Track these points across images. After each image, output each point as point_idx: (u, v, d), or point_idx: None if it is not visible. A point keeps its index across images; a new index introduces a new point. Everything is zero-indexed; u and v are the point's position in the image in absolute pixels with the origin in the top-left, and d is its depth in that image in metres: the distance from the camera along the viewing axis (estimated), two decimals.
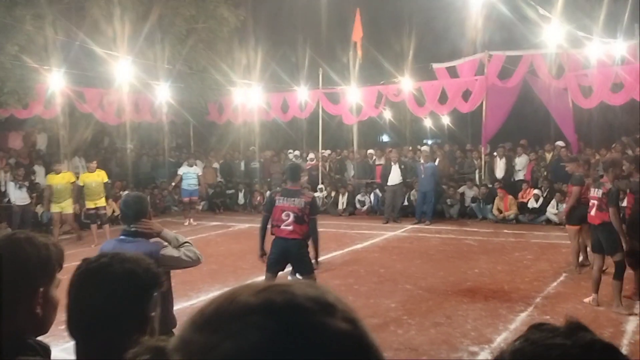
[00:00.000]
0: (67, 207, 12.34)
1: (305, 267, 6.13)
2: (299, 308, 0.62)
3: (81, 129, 16.47)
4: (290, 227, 6.02)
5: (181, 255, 3.62)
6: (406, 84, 15.70)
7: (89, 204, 12.57)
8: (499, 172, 15.21)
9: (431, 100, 15.62)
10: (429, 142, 22.18)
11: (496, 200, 14.28)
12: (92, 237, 12.26)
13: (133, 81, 14.44)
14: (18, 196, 13.65)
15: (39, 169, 16.01)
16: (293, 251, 6.04)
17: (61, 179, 12.22)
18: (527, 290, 7.86)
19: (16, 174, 14.05)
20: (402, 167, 15.22)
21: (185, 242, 3.73)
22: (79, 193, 12.80)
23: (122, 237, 3.64)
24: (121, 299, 1.37)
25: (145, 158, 18.91)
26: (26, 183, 13.96)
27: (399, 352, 5.57)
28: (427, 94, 15.64)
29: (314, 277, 6.13)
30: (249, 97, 17.45)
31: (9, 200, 13.81)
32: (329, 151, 18.51)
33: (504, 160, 15.24)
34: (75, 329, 1.39)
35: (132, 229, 3.61)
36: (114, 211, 14.40)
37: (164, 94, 15.99)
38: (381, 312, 6.83)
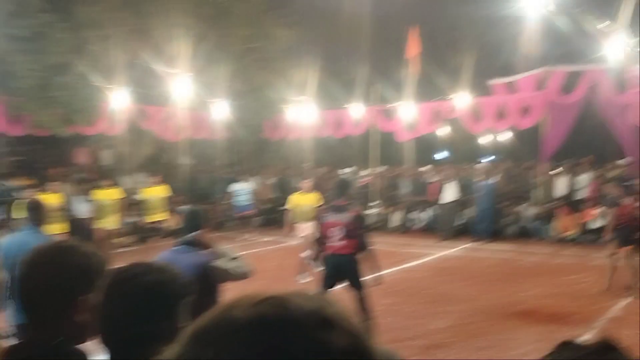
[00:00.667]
0: (112, 223, 12.15)
1: (357, 282, 6.12)
2: (292, 323, 0.59)
3: (143, 145, 17.11)
4: (340, 243, 6.04)
5: (231, 269, 3.69)
6: (462, 100, 15.48)
7: (151, 218, 12.83)
8: (560, 191, 14.69)
9: (488, 116, 15.33)
10: (486, 159, 21.73)
11: (556, 220, 13.79)
12: (153, 250, 12.57)
13: (191, 99, 14.90)
14: (82, 210, 14.25)
15: (104, 184, 16.69)
16: (345, 266, 6.06)
17: (107, 195, 12.14)
18: (587, 314, 7.52)
19: (81, 189, 14.72)
20: (458, 184, 14.95)
21: (238, 257, 3.80)
22: (124, 208, 12.82)
23: (176, 248, 3.77)
24: (153, 310, 1.37)
25: (202, 174, 19.37)
26: (90, 198, 14.57)
27: None
28: (484, 110, 15.36)
29: (365, 292, 6.10)
30: (303, 114, 17.66)
31: (75, 213, 14.44)
32: (383, 168, 18.41)
33: (565, 177, 14.72)
34: (108, 339, 1.39)
35: (187, 240, 3.75)
36: (172, 225, 14.77)
37: (220, 112, 16.41)
38: (426, 334, 6.69)
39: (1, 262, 4.33)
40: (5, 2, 12.05)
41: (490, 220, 14.12)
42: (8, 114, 13.22)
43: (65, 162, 17.22)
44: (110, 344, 1.40)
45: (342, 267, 6.06)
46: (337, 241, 6.06)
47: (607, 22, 10.95)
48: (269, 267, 11.17)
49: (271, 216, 17.96)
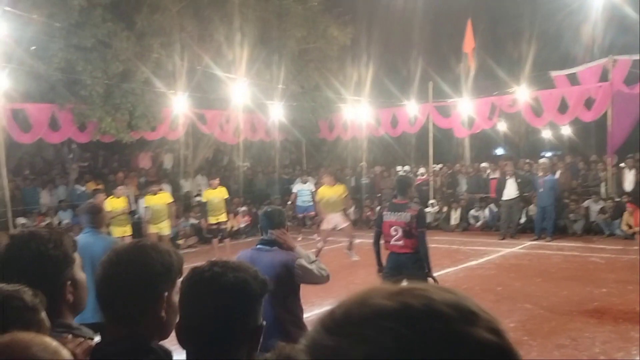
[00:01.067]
0: (164, 228, 12.08)
1: (419, 282, 6.05)
2: (438, 314, 0.57)
3: (202, 149, 17.51)
4: (400, 242, 5.98)
5: (314, 270, 3.69)
6: (522, 93, 15.07)
7: (212, 220, 13.02)
8: (628, 185, 14.09)
9: (550, 109, 14.87)
10: (548, 154, 21.08)
11: (625, 215, 13.23)
12: (214, 251, 12.85)
13: (249, 102, 15.14)
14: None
15: (166, 187, 17.18)
16: (407, 265, 5.98)
17: (158, 200, 12.12)
18: None
19: (146, 191, 15.20)
20: (519, 180, 14.55)
21: (315, 260, 3.82)
22: (177, 212, 13.17)
23: (259, 246, 3.79)
24: (234, 309, 1.36)
25: (260, 175, 19.65)
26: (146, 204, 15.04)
27: None
28: (545, 103, 14.92)
29: None
30: (358, 114, 17.64)
31: (139, 216, 14.92)
32: (440, 165, 18.17)
33: (633, 171, 14.11)
34: (186, 339, 1.39)
35: (269, 238, 3.76)
36: (232, 227, 15.06)
37: (277, 113, 16.60)
38: None
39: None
40: (70, 12, 12.54)
41: (553, 217, 13.66)
42: (75, 121, 13.78)
43: (129, 167, 17.84)
44: (189, 343, 1.40)
45: (401, 266, 6.01)
46: (396, 240, 6.00)
47: None
48: (329, 266, 10.98)
49: None
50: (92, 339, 1.70)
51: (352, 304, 0.62)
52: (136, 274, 1.48)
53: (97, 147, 17.06)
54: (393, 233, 6.01)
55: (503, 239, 13.87)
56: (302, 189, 15.60)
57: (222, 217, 12.98)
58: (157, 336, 1.50)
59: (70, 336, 1.60)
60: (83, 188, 15.68)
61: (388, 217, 6.07)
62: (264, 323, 1.44)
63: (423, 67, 18.34)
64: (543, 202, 13.66)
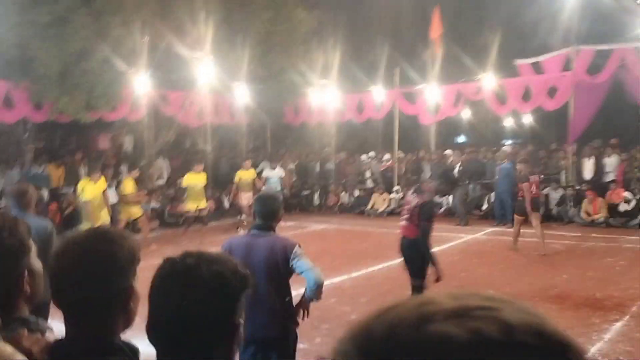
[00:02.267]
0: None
1: (412, 269, 6.07)
2: (521, 347, 0.46)
3: (165, 131, 17.11)
4: (403, 223, 6.05)
5: (314, 267, 3.65)
6: (487, 81, 15.19)
7: (191, 205, 12.79)
8: (587, 173, 14.44)
9: (514, 97, 15.05)
10: (509, 142, 21.43)
11: (584, 203, 13.54)
12: (183, 237, 12.61)
13: (213, 83, 14.81)
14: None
15: (125, 170, 16.76)
16: (404, 249, 6.05)
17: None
18: (622, 298, 7.35)
19: (104, 174, 14.77)
20: (480, 168, 14.79)
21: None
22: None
23: (253, 231, 3.78)
24: (209, 305, 1.23)
25: (224, 160, 19.35)
26: (113, 183, 14.62)
27: None
28: (509, 91, 15.08)
29: (420, 283, 6.01)
30: (324, 98, 17.50)
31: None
32: (404, 152, 18.24)
33: (592, 160, 14.44)
34: (157, 337, 1.27)
35: (261, 225, 3.74)
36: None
37: (242, 96, 16.30)
38: None
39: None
40: None
41: (510, 204, 13.84)
42: (30, 100, 13.24)
43: (87, 148, 17.32)
44: (158, 341, 1.28)
45: (402, 248, 6.09)
46: (402, 221, 6.15)
47: None
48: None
49: (293, 201, 17.93)
50: (48, 332, 1.55)
51: (402, 324, 0.48)
52: (103, 265, 1.35)
53: (54, 127, 16.47)
54: (403, 213, 6.22)
55: (461, 225, 14.03)
56: (271, 176, 15.32)
57: (202, 204, 12.87)
58: (123, 328, 1.40)
59: (26, 331, 1.44)
60: (40, 169, 15.15)
61: (408, 197, 6.34)
62: (242, 321, 1.29)
63: (390, 53, 18.28)
64: (500, 189, 13.87)
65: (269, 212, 3.78)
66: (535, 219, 10.22)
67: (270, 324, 3.60)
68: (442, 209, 15.68)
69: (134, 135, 18.05)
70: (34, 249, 1.63)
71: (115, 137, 18.13)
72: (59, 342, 1.38)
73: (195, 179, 12.76)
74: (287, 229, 14.45)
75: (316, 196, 18.06)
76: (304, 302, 3.76)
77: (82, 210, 11.18)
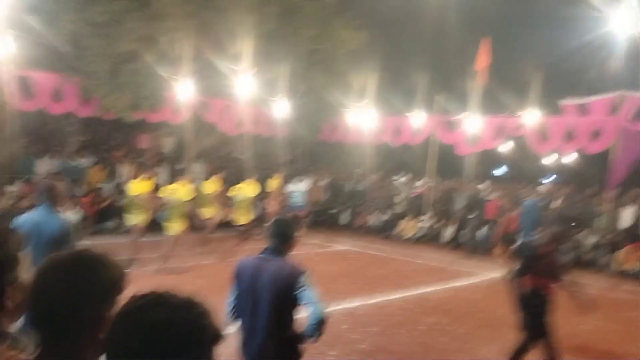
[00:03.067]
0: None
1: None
2: None
3: (204, 136, 17.42)
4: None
5: (318, 302, 3.53)
6: (529, 117, 14.97)
7: (239, 218, 12.62)
8: (625, 221, 13.99)
9: (556, 137, 14.77)
10: (548, 180, 20.98)
11: (620, 252, 13.14)
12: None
13: (253, 95, 15.04)
14: None
15: (162, 170, 17.13)
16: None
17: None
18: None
19: (143, 171, 15.13)
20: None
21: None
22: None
23: (263, 255, 3.70)
24: (150, 353, 1.11)
25: (258, 170, 19.50)
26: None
27: None
28: (552, 130, 14.82)
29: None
30: (362, 119, 17.52)
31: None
32: (435, 180, 18.05)
33: (631, 208, 14.01)
34: None
35: (275, 247, 3.68)
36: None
37: (281, 110, 16.50)
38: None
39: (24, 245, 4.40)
40: None
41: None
42: (79, 95, 13.72)
43: (128, 146, 17.76)
44: None
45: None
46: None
47: None
48: (313, 271, 10.76)
49: (319, 218, 17.94)
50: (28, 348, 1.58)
51: None
52: (78, 291, 1.35)
53: (98, 123, 16.97)
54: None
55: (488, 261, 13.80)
56: (297, 188, 15.44)
57: (247, 218, 12.60)
58: (92, 357, 1.38)
59: (4, 347, 1.47)
60: (81, 162, 15.61)
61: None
62: None
63: (431, 79, 18.20)
64: (522, 226, 13.69)
65: (282, 236, 3.72)
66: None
67: (268, 350, 3.55)
68: (473, 243, 15.43)
69: (174, 138, 18.43)
70: (23, 261, 1.62)
71: (156, 138, 18.54)
72: None
73: (244, 191, 12.48)
74: (311, 246, 14.49)
75: (344, 215, 18.03)
76: (303, 338, 3.63)
77: (127, 204, 11.20)
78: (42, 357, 1.39)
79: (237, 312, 3.67)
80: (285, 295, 3.53)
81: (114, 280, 1.42)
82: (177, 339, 1.12)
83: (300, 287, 3.52)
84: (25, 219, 4.78)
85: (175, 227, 10.63)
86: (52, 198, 4.86)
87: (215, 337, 1.18)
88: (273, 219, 3.91)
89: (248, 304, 3.59)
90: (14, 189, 13.50)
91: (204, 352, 1.16)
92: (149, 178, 11.28)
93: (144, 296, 1.20)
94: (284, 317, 3.60)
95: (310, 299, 3.53)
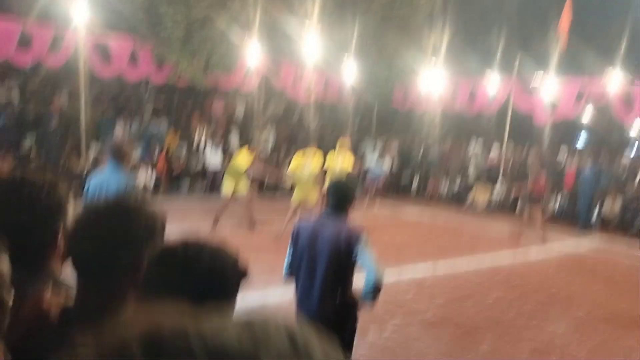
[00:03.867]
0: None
1: None
2: None
3: (274, 103, 17.53)
4: None
5: (377, 265, 3.48)
6: (613, 84, 14.01)
7: (298, 197, 11.06)
8: None
9: None
10: (633, 151, 19.68)
11: None
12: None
13: (324, 62, 14.88)
14: (212, 162, 15.00)
15: (234, 134, 17.47)
16: None
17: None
18: None
19: (214, 137, 15.50)
20: (597, 174, 13.85)
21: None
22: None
23: (324, 217, 3.71)
24: (204, 300, 1.10)
25: (327, 137, 19.44)
26: (221, 144, 15.31)
27: None
28: (636, 98, 13.81)
29: None
30: (434, 84, 16.99)
31: (203, 165, 15.27)
32: (515, 147, 17.34)
33: None
34: None
35: (333, 210, 3.68)
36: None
37: (351, 75, 16.26)
38: (544, 337, 6.19)
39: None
40: None
41: (586, 209, 13.68)
42: (153, 61, 14.06)
43: (201, 113, 18.15)
44: None
45: None
46: None
47: None
48: (380, 239, 10.59)
49: (390, 186, 17.75)
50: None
51: None
52: (115, 238, 1.36)
53: (172, 90, 17.40)
54: None
55: (574, 233, 13.32)
56: (371, 158, 15.27)
57: (313, 196, 10.11)
58: (131, 301, 1.38)
59: (49, 293, 1.47)
60: (156, 127, 16.10)
61: None
62: None
63: (508, 41, 17.32)
64: (583, 193, 13.80)
65: (341, 198, 3.69)
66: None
67: (322, 314, 3.56)
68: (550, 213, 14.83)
69: (245, 105, 18.66)
70: (72, 208, 1.64)
71: (228, 105, 18.83)
72: (68, 308, 1.41)
73: (305, 163, 10.10)
74: (380, 214, 14.39)
75: (415, 183, 17.75)
76: (359, 304, 3.61)
77: (230, 171, 10.79)
78: (82, 303, 1.40)
79: (295, 271, 3.69)
80: (343, 257, 3.51)
81: (152, 227, 1.42)
82: (228, 283, 1.24)
83: (358, 248, 3.49)
84: (94, 177, 5.20)
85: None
86: (118, 157, 5.14)
87: (244, 275, 1.29)
88: (331, 182, 3.89)
89: (305, 265, 3.61)
90: (92, 152, 14.13)
91: (236, 290, 1.27)
92: (253, 151, 10.85)
93: (186, 247, 1.27)
94: (341, 280, 3.58)
95: (368, 262, 3.48)
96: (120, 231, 1.38)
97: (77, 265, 1.42)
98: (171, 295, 1.14)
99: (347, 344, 3.62)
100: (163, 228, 1.47)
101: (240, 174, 10.60)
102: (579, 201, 14.00)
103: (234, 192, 10.58)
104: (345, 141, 11.55)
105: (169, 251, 1.26)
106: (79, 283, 1.42)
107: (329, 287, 3.55)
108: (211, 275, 1.21)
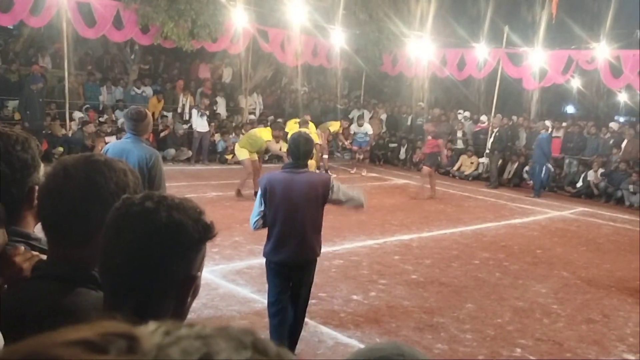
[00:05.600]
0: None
1: None
2: None
3: (262, 67, 17.31)
4: None
5: (354, 194, 4.24)
6: (602, 50, 14.01)
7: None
8: None
9: (630, 71, 13.80)
10: (621, 118, 19.84)
11: None
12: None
13: (312, 24, 14.67)
14: (199, 124, 14.84)
15: (221, 100, 17.24)
16: None
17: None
18: None
19: (200, 102, 15.30)
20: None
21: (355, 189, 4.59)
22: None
23: (288, 169, 4.16)
24: (163, 253, 1.14)
25: (316, 102, 19.36)
26: (207, 112, 15.12)
27: (540, 343, 5.12)
28: (625, 63, 13.84)
29: None
30: (424, 51, 16.87)
31: (190, 126, 15.11)
32: (499, 116, 17.37)
33: None
34: (105, 279, 1.20)
35: (300, 162, 4.16)
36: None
37: (340, 40, 16.07)
38: (529, 296, 6.31)
39: None
40: None
41: (540, 176, 13.78)
42: (139, 22, 13.73)
43: (188, 76, 17.90)
44: (105, 284, 1.21)
45: None
46: None
47: None
48: (370, 203, 10.64)
49: (378, 152, 17.76)
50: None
51: None
52: (85, 193, 1.32)
53: (158, 52, 17.11)
54: None
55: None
56: (358, 123, 15.24)
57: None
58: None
59: (22, 248, 1.47)
60: (141, 90, 15.87)
61: None
62: (199, 274, 1.20)
63: (496, 11, 17.21)
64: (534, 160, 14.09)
65: (305, 152, 4.15)
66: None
67: (303, 251, 4.11)
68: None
69: (232, 68, 18.42)
70: (42, 166, 1.63)
71: (215, 68, 18.58)
72: (39, 264, 1.40)
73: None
74: (369, 179, 14.44)
75: (403, 150, 17.76)
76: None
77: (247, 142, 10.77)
78: (53, 259, 1.39)
79: (269, 221, 4.08)
80: (320, 199, 4.10)
81: (122, 184, 1.38)
82: (188, 237, 1.16)
83: (333, 188, 4.10)
84: (111, 146, 4.77)
85: None
86: (140, 129, 4.61)
87: (212, 232, 1.21)
88: (292, 136, 4.31)
89: (282, 214, 4.03)
90: (80, 115, 13.93)
91: (203, 247, 1.21)
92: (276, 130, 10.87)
93: (144, 199, 1.18)
94: (316, 222, 4.16)
95: (346, 191, 4.22)
96: (90, 187, 1.33)
97: (46, 221, 1.39)
98: (129, 246, 1.14)
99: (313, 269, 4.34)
100: (136, 184, 1.43)
101: (259, 147, 10.62)
102: (533, 166, 14.24)
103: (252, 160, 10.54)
104: (306, 119, 12.37)
105: (128, 201, 1.19)
106: (50, 238, 1.40)
107: (311, 226, 4.09)
108: (168, 226, 1.13)
